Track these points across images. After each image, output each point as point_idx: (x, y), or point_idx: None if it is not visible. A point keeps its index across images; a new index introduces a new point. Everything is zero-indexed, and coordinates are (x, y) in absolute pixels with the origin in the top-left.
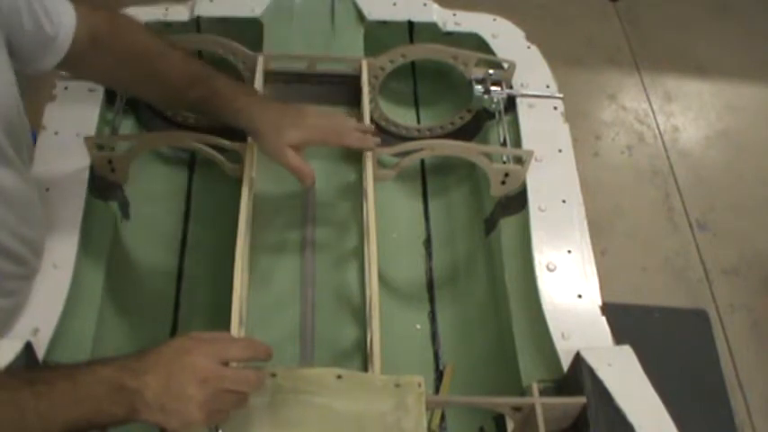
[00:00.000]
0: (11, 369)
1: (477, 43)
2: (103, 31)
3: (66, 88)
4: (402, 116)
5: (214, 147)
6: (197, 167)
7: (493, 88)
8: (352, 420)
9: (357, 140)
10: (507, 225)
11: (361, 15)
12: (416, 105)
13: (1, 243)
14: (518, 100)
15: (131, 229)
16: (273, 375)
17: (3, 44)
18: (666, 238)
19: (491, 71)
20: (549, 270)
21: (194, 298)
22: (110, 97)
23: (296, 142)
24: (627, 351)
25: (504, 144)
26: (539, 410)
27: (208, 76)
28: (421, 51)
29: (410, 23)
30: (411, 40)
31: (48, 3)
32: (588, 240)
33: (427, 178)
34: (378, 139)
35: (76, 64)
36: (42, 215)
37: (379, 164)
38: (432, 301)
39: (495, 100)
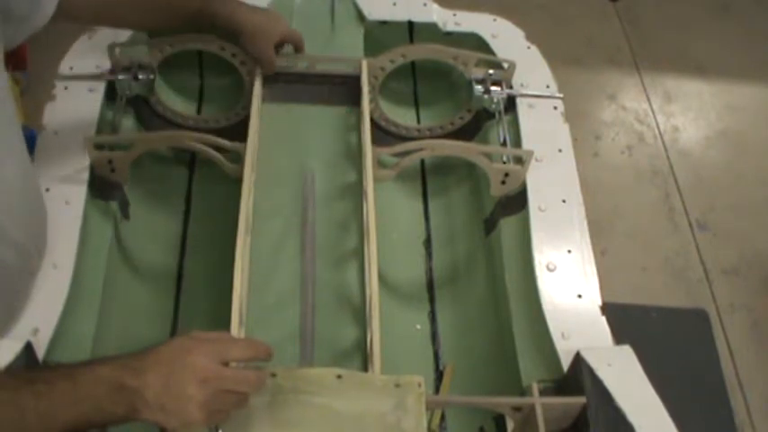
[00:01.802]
0: (11, 369)
1: (477, 43)
2: None
3: (66, 88)
4: (402, 116)
5: (214, 147)
6: (197, 167)
7: (493, 88)
8: (352, 420)
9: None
10: (507, 225)
11: (361, 15)
12: (416, 105)
13: (10, 235)
14: (518, 100)
15: (131, 229)
16: (273, 375)
17: None
18: (666, 238)
19: (491, 71)
20: (549, 270)
21: (194, 298)
22: (110, 97)
23: (277, 42)
24: (627, 351)
25: (504, 144)
26: (539, 410)
27: None
28: (421, 51)
29: (410, 23)
30: (411, 40)
31: None
32: (588, 240)
33: (427, 178)
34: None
35: (66, 9)
36: (45, 209)
37: (379, 164)
38: (432, 301)
39: (495, 100)
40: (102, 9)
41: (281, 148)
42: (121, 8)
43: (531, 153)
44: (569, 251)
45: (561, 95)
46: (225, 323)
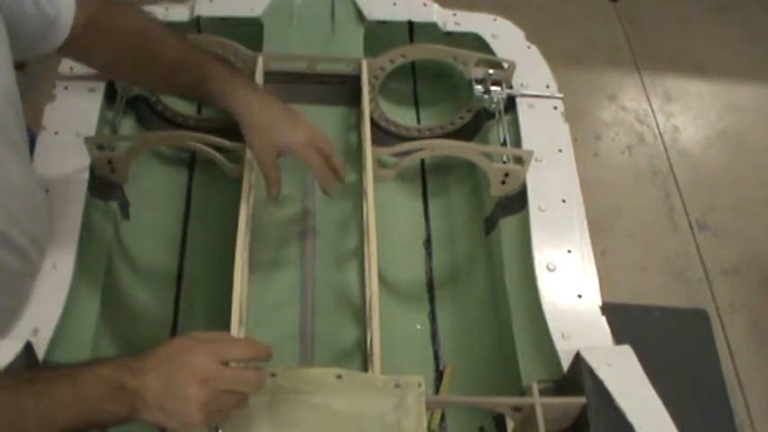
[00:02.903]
0: (11, 369)
1: (477, 43)
2: (98, 13)
3: (66, 88)
4: (402, 116)
5: (214, 147)
6: (197, 167)
7: (493, 88)
8: (352, 420)
9: (323, 176)
10: (507, 225)
11: (361, 15)
12: (416, 105)
13: (11, 238)
14: (518, 100)
15: (131, 229)
16: (273, 375)
17: (5, 36)
18: (666, 238)
19: (491, 71)
20: (549, 270)
21: (194, 298)
22: (110, 97)
23: (284, 151)
24: (627, 351)
25: (504, 144)
26: (539, 410)
27: (203, 59)
28: (421, 51)
29: (410, 23)
30: (411, 40)
31: None
32: (588, 240)
33: (427, 178)
34: (339, 183)
35: (75, 48)
36: (45, 211)
37: (379, 164)
38: (432, 301)
39: (495, 100)
40: (102, 59)
41: None
42: (124, 63)
43: (531, 153)
44: (569, 251)
45: (561, 95)
46: (225, 323)
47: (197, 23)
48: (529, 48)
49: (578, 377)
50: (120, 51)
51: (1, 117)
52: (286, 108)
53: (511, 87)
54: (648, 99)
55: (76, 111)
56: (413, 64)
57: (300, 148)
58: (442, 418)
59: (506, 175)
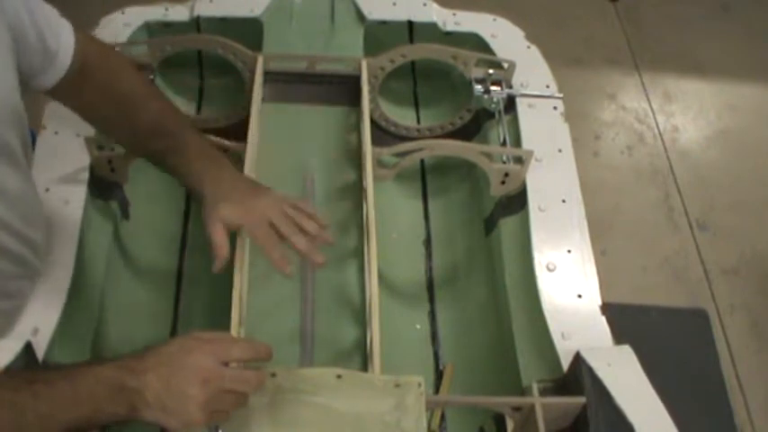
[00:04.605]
0: (11, 369)
1: (476, 43)
2: (93, 62)
3: None
4: (402, 116)
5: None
6: None
7: (493, 88)
8: (352, 420)
9: (271, 257)
10: (507, 225)
11: (361, 15)
12: (416, 105)
13: (3, 245)
14: (518, 100)
15: (131, 229)
16: (273, 375)
17: (10, 48)
18: (666, 238)
19: (491, 71)
20: (549, 270)
21: (194, 298)
22: None
23: (227, 220)
24: (627, 351)
25: (503, 144)
26: (539, 410)
27: (176, 132)
28: (421, 51)
29: (410, 23)
30: (411, 40)
31: (51, 19)
32: (588, 240)
33: (427, 178)
34: (320, 260)
35: (64, 92)
36: (43, 215)
37: (379, 164)
38: (432, 301)
39: (495, 100)
40: (84, 106)
41: (281, 148)
42: (104, 122)
43: (530, 153)
44: (569, 251)
45: (561, 95)
46: (225, 323)
47: (197, 23)
48: (529, 48)
49: (578, 377)
50: (100, 107)
51: (1, 131)
52: (241, 182)
53: (511, 87)
54: (648, 99)
55: None
56: (413, 64)
57: (248, 226)
58: (442, 418)
59: (506, 175)
